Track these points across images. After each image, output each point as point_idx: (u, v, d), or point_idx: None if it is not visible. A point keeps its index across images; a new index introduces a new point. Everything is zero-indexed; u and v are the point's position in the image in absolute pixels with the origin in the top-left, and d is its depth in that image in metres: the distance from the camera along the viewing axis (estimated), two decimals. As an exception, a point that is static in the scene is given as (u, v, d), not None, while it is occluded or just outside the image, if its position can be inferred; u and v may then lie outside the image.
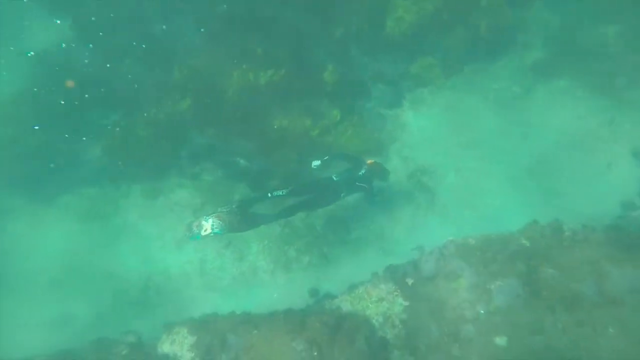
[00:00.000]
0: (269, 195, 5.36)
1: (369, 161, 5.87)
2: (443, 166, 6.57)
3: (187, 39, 8.23)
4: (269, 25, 7.80)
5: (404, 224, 6.47)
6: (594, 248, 4.67)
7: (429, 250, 5.01)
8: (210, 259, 6.48)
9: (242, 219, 5.15)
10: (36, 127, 7.13)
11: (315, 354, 4.35)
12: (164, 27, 7.97)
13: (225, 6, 7.80)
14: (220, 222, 5.01)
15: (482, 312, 4.54)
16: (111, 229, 6.82)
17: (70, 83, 7.24)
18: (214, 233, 4.98)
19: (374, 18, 7.15)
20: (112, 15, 7.80)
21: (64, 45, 8.03)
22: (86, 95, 7.28)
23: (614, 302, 4.39)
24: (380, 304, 4.81)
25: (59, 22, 8.37)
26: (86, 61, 7.68)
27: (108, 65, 7.43)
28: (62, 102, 7.28)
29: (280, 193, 5.34)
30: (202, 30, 7.99)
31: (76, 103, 7.26)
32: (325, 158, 5.76)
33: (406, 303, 4.74)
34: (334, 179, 5.63)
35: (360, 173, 5.71)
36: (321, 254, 6.40)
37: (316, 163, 5.79)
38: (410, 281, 4.86)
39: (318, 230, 6.55)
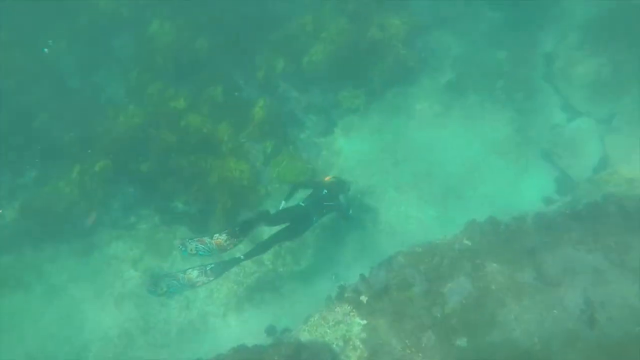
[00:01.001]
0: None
1: (326, 178, 5.94)
2: (381, 185, 6.67)
3: (110, 91, 7.98)
4: (196, 72, 7.82)
5: (353, 246, 6.35)
6: (527, 237, 4.86)
7: (377, 264, 4.90)
8: (154, 312, 5.82)
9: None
10: None
11: (277, 390, 3.93)
12: (82, 80, 7.66)
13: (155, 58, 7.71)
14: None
15: (439, 315, 4.44)
16: (35, 298, 5.94)
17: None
18: (199, 254, 5.04)
19: (292, 58, 7.47)
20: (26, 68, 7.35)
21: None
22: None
23: (553, 284, 4.53)
24: (338, 328, 4.55)
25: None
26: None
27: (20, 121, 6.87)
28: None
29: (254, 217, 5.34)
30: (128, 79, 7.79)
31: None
32: (283, 203, 5.77)
33: (364, 321, 4.53)
34: (302, 204, 5.62)
35: (323, 193, 5.72)
36: (273, 288, 6.02)
37: (283, 205, 5.78)
38: (364, 298, 4.67)
39: (267, 264, 6.20)
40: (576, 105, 7.30)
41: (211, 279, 5.14)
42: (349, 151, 6.95)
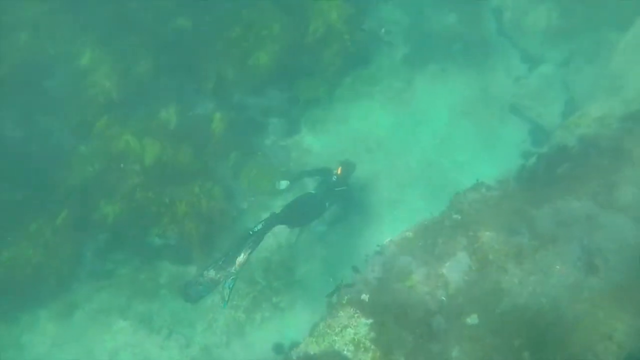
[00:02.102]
0: (250, 233, 5.29)
1: (338, 170, 6.05)
2: (358, 175, 6.51)
3: (57, 136, 7.49)
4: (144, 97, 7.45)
5: (344, 246, 6.21)
6: (514, 198, 4.83)
7: (371, 256, 4.78)
8: (154, 358, 5.55)
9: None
10: None
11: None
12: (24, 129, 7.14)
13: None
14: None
15: (444, 298, 4.36)
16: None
17: None
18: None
19: (239, 64, 7.22)
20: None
21: None
22: None
23: (549, 240, 4.51)
24: (345, 333, 4.41)
25: None
26: None
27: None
28: None
29: (259, 226, 5.30)
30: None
31: None
32: (288, 183, 5.93)
33: (370, 320, 4.41)
34: (312, 192, 5.84)
35: (333, 179, 5.92)
36: (272, 305, 5.84)
37: (283, 184, 5.91)
38: (365, 297, 4.54)
39: (260, 282, 6.01)
40: (534, 54, 7.35)
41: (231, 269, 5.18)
42: (318, 147, 6.78)
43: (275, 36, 7.40)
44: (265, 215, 5.58)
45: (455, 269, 4.55)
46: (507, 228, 4.64)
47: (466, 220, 4.81)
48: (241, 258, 5.11)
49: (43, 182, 6.72)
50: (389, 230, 5.74)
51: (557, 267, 4.40)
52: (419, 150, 6.65)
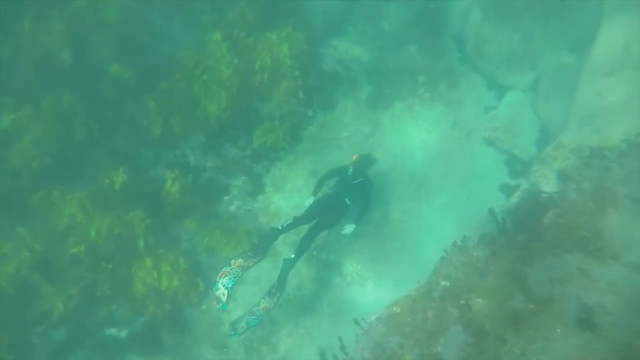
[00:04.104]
0: (280, 228, 5.60)
1: (354, 157, 6.14)
2: (333, 237, 6.22)
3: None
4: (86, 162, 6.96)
5: (326, 310, 5.89)
6: (503, 257, 4.65)
7: (358, 339, 4.47)
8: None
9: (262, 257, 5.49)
10: None
11: None
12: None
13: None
14: (228, 276, 5.30)
15: (443, 383, 4.09)
16: None
17: None
18: (230, 287, 5.24)
19: (186, 113, 6.96)
20: None
21: None
22: None
23: (545, 301, 4.34)
24: None
25: None
26: None
27: None
28: None
29: (290, 221, 5.61)
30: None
31: None
32: (312, 198, 5.97)
33: (366, 417, 4.07)
34: (330, 192, 5.96)
35: (349, 173, 5.98)
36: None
37: (309, 201, 5.96)
38: (358, 388, 4.22)
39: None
40: (500, 80, 7.34)
41: (278, 295, 5.44)
42: (288, 208, 6.47)
43: (223, 77, 7.16)
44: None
45: (450, 346, 4.29)
46: (499, 292, 4.44)
47: (455, 287, 4.59)
48: (268, 304, 5.34)
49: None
50: (372, 294, 5.46)
51: (558, 330, 4.21)
52: (394, 200, 6.43)
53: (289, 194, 6.46)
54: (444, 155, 6.86)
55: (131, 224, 6.59)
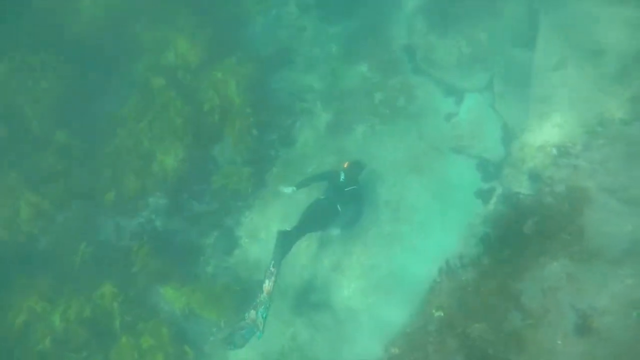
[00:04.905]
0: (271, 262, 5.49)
1: (344, 165, 6.24)
2: (321, 274, 6.15)
3: None
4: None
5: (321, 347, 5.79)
6: (492, 276, 4.70)
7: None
8: None
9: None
10: None
11: None
12: None
13: None
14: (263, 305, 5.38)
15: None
16: None
17: None
18: (265, 317, 5.33)
19: (141, 170, 6.84)
20: None
21: None
22: None
23: (541, 314, 4.40)
24: None
25: None
26: None
27: None
28: None
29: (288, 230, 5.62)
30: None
31: None
32: (293, 189, 6.03)
33: None
34: (322, 197, 6.03)
35: (341, 180, 6.10)
36: None
37: (288, 189, 6.00)
38: None
39: None
40: (456, 85, 7.49)
41: (273, 277, 5.38)
42: (267, 257, 6.27)
43: (177, 129, 7.01)
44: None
45: (457, 379, 4.27)
46: (495, 313, 4.48)
47: (450, 316, 4.61)
48: (268, 286, 5.34)
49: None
50: (365, 334, 5.40)
51: (559, 342, 4.28)
52: (374, 228, 6.42)
53: (266, 242, 6.35)
54: (415, 171, 6.92)
55: (102, 302, 6.33)
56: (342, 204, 5.98)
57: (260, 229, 6.55)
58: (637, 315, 4.22)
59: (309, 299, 6.17)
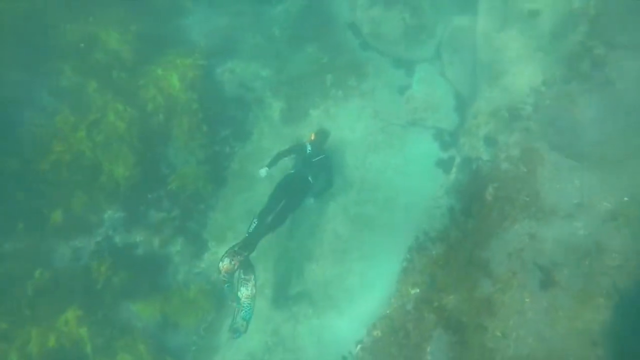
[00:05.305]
0: (249, 234, 5.51)
1: (311, 136, 6.39)
2: (285, 268, 6.18)
3: None
4: None
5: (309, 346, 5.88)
6: (460, 247, 4.89)
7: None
8: None
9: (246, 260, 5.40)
10: None
11: None
12: None
13: None
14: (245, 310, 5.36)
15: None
16: None
17: None
18: (249, 320, 5.35)
19: (90, 185, 6.53)
20: None
21: None
22: None
23: (509, 277, 4.66)
24: None
25: None
26: None
27: None
28: None
29: (255, 222, 5.55)
30: None
31: None
32: (266, 169, 6.02)
33: None
34: (292, 172, 6.11)
35: (308, 151, 6.21)
36: None
37: (262, 171, 6.01)
38: None
39: None
40: (405, 57, 7.55)
41: (251, 280, 5.45)
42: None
43: (123, 135, 6.67)
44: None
45: (438, 351, 4.50)
46: (465, 283, 4.69)
47: (425, 291, 4.78)
48: (249, 292, 5.35)
49: None
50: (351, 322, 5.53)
51: (527, 300, 4.56)
52: (340, 213, 6.50)
53: (234, 242, 6.25)
54: (374, 149, 7.02)
55: (67, 329, 6.05)
56: (313, 174, 6.10)
57: (226, 229, 6.47)
58: (589, 264, 4.56)
59: (286, 292, 6.21)
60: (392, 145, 7.07)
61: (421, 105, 7.04)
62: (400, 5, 7.29)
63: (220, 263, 5.28)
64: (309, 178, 6.05)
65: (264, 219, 5.59)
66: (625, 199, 4.83)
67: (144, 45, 7.17)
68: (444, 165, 6.94)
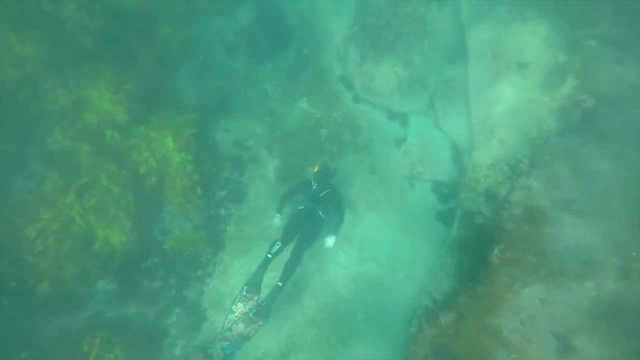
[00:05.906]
0: (269, 256, 5.73)
1: (314, 170, 6.44)
2: (291, 332, 5.99)
3: None
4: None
5: None
6: (471, 315, 4.79)
7: None
8: None
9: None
10: None
11: None
12: None
13: None
14: (228, 342, 5.22)
15: None
16: None
17: None
18: (229, 355, 5.25)
19: (80, 256, 6.37)
20: None
21: None
22: None
23: (525, 345, 4.55)
24: None
25: None
26: None
27: None
28: None
29: (278, 246, 5.78)
30: None
31: None
32: (278, 216, 6.12)
33: None
34: (300, 208, 6.12)
35: (314, 187, 6.24)
36: None
37: (277, 220, 6.10)
38: None
39: None
40: (398, 109, 7.66)
41: (261, 322, 5.41)
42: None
43: (118, 199, 6.56)
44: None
45: None
46: (481, 354, 4.56)
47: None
48: (246, 330, 5.27)
49: None
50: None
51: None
52: (342, 274, 6.38)
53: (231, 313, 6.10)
54: (373, 206, 7.01)
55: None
56: (323, 209, 6.10)
57: (224, 296, 6.30)
58: (605, 327, 4.49)
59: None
60: (392, 201, 7.03)
61: (418, 159, 7.09)
62: (391, 58, 7.48)
63: (233, 306, 5.31)
64: (320, 214, 6.05)
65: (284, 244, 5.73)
66: (634, 254, 4.83)
67: (136, 106, 7.20)
68: (445, 218, 6.94)
